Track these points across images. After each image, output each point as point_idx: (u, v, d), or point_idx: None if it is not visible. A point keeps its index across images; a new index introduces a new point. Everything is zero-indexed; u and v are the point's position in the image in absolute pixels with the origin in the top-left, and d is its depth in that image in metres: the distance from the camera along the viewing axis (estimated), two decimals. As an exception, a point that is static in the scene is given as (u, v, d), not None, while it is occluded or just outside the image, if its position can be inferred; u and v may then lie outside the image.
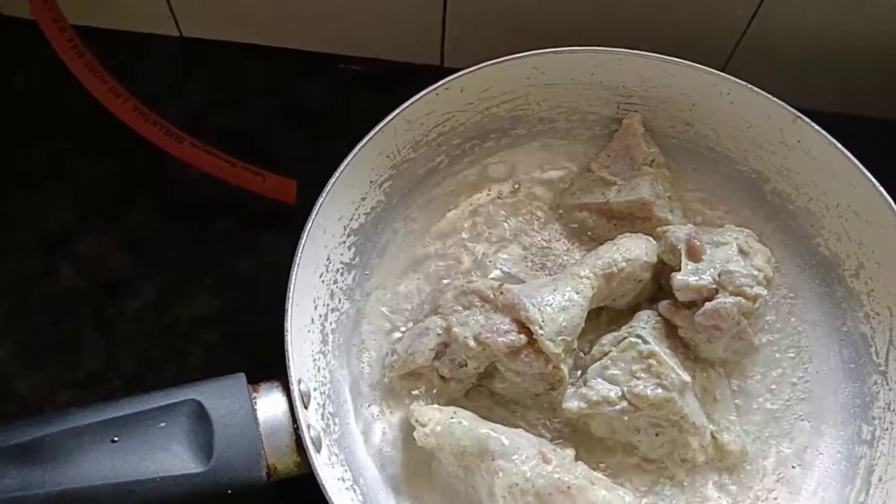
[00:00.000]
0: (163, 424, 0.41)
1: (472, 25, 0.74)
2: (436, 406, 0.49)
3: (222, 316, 0.68)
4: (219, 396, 0.43)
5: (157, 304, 0.68)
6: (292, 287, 0.47)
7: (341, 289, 0.54)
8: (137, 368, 0.66)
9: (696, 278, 0.50)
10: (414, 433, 0.47)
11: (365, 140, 0.52)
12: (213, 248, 0.71)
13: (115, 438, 0.40)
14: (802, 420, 0.53)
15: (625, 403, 0.47)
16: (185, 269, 0.70)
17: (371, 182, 0.55)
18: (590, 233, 0.58)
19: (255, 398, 0.44)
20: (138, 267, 0.70)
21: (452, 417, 0.47)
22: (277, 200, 0.69)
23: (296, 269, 0.48)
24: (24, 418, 0.62)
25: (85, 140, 0.75)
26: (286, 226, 0.71)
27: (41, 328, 0.67)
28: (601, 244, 0.54)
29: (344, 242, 0.54)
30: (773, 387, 0.54)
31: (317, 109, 0.78)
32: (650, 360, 0.48)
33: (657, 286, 0.54)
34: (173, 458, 0.41)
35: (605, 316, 0.54)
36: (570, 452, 0.48)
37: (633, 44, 0.61)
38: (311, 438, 0.44)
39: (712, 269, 0.50)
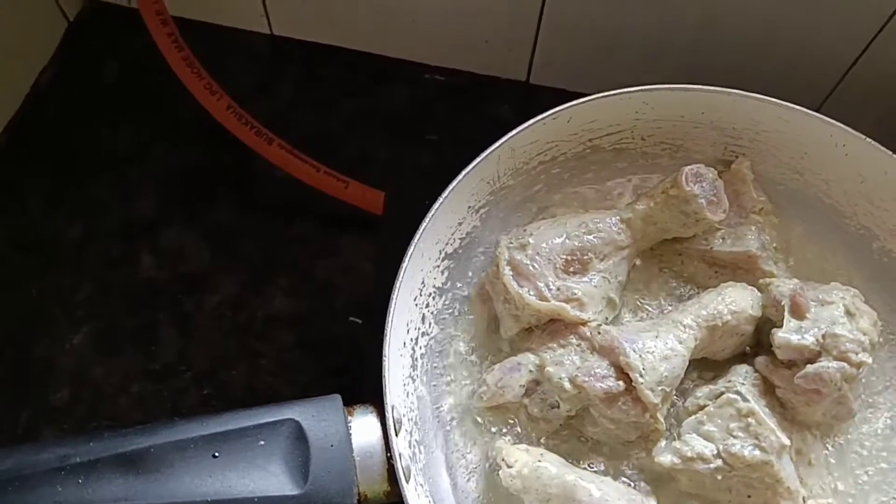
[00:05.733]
0: (262, 443, 0.41)
1: (564, 42, 0.73)
2: (523, 446, 0.48)
3: (297, 318, 0.68)
4: (316, 417, 0.43)
5: (233, 301, 0.68)
6: (392, 311, 0.47)
7: (432, 313, 0.53)
8: (210, 364, 0.66)
9: (799, 337, 0.48)
10: (499, 472, 0.46)
11: (471, 166, 0.51)
12: (292, 249, 0.71)
13: (217, 454, 0.40)
14: (900, 493, 0.51)
15: (719, 462, 0.46)
16: (263, 268, 0.70)
17: (469, 207, 0.54)
18: (687, 275, 0.56)
19: (349, 422, 0.44)
20: (217, 262, 0.70)
21: (539, 461, 0.46)
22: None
23: (396, 292, 0.47)
24: (97, 406, 0.64)
25: (173, 131, 0.75)
26: (366, 231, 0.71)
27: (119, 316, 0.67)
28: (701, 290, 0.53)
29: (438, 266, 0.53)
30: (867, 454, 0.52)
31: (399, 116, 0.78)
32: (749, 419, 0.47)
33: (755, 339, 0.53)
34: (271, 477, 0.40)
35: (698, 365, 0.53)
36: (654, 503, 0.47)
37: (727, 73, 0.59)
38: (403, 468, 0.44)
39: (816, 330, 0.49)
